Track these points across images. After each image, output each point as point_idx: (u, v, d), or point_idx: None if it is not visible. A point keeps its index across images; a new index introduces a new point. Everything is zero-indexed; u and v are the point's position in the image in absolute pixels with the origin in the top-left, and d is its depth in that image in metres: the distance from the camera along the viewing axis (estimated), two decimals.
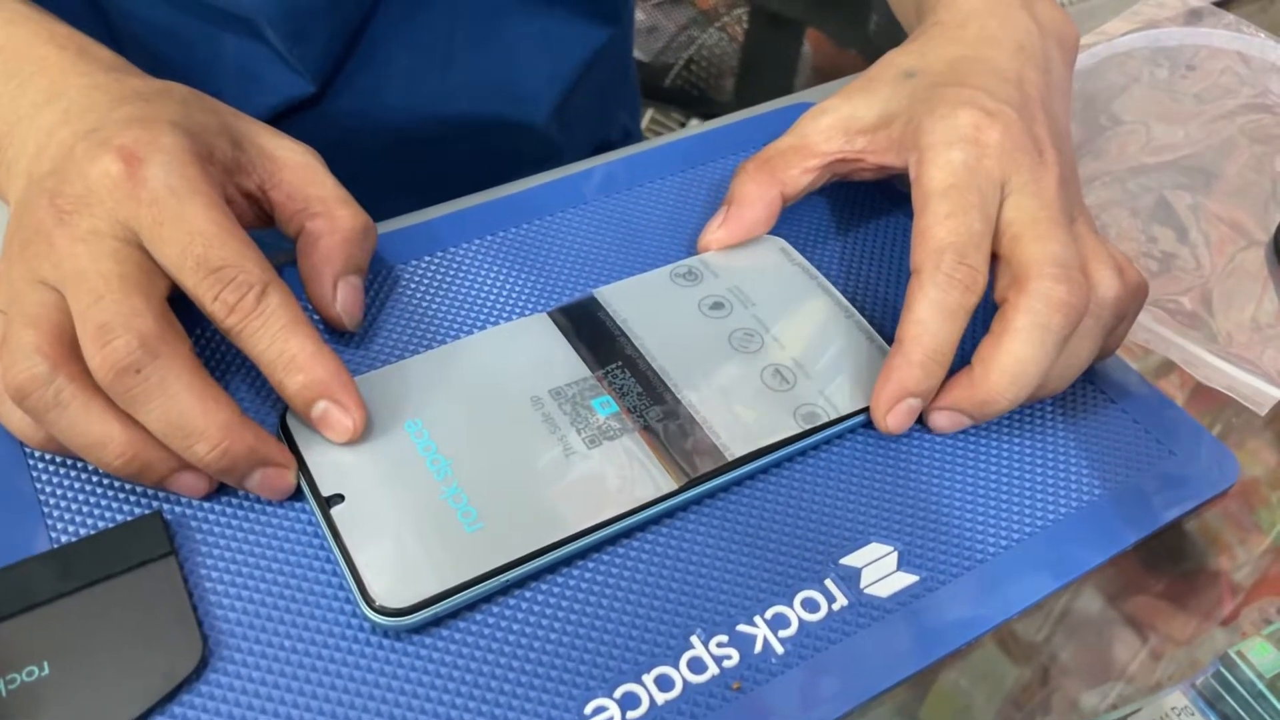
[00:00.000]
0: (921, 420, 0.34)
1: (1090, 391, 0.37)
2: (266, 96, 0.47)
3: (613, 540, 0.31)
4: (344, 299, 0.34)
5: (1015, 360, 0.31)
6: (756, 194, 0.37)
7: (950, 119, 0.34)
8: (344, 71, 0.48)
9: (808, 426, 0.33)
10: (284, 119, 0.48)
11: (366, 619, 0.28)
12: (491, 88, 0.51)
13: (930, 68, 0.37)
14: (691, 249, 0.40)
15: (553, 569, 0.30)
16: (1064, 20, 0.40)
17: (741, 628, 0.30)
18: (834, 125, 0.37)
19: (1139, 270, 0.35)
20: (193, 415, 0.28)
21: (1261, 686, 0.30)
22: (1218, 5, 0.55)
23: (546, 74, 0.52)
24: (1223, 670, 0.31)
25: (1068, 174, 0.35)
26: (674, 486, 0.31)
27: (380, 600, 0.28)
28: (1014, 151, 0.33)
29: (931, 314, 0.32)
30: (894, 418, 0.33)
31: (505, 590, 0.30)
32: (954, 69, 0.36)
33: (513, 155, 0.50)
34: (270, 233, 0.36)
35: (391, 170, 0.50)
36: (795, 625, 0.30)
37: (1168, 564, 0.34)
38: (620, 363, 0.34)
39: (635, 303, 0.36)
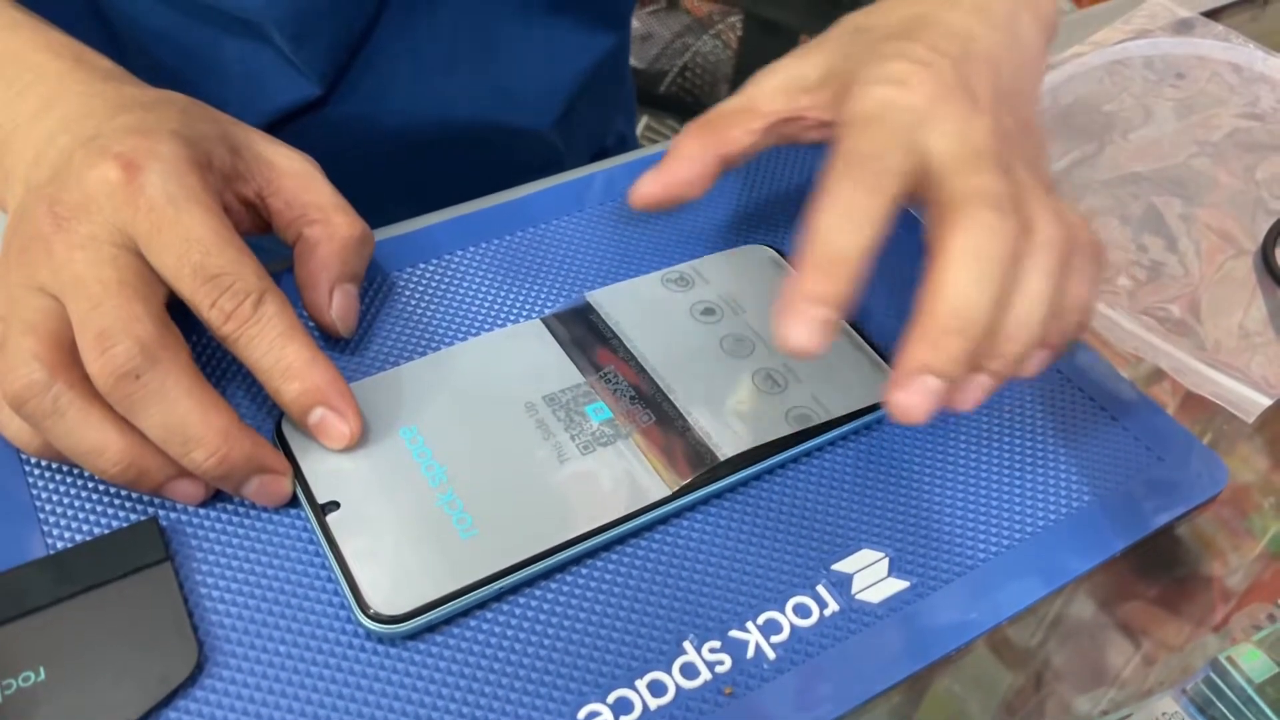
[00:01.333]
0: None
1: (1080, 398, 0.37)
2: (271, 100, 0.47)
3: (606, 546, 0.31)
4: (339, 306, 0.34)
5: (954, 288, 0.28)
6: (692, 152, 0.36)
7: (881, 67, 0.33)
8: (349, 75, 0.48)
9: (800, 428, 0.33)
10: (289, 123, 0.48)
11: (361, 625, 0.28)
12: (496, 94, 0.51)
13: (880, 25, 0.36)
14: (687, 256, 0.40)
15: (546, 575, 0.30)
16: None
17: (734, 633, 0.30)
18: (780, 85, 0.37)
19: (1091, 230, 0.33)
20: (192, 421, 0.28)
21: (1251, 692, 0.30)
22: (1207, 15, 0.55)
23: (551, 82, 0.52)
24: (1213, 676, 0.31)
25: (1011, 129, 0.33)
26: (668, 492, 0.31)
27: (375, 607, 0.28)
28: (942, 98, 0.32)
29: (833, 217, 0.29)
30: (797, 332, 0.28)
31: (499, 596, 0.30)
32: (903, 26, 0.35)
33: (516, 162, 0.50)
34: (268, 239, 0.36)
35: (395, 176, 0.50)
36: (787, 631, 0.30)
37: (1160, 570, 0.34)
38: (613, 368, 0.35)
39: (628, 307, 0.37)
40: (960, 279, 0.28)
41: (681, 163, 0.36)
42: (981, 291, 0.29)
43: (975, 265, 0.29)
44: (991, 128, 0.32)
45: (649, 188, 0.36)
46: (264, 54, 0.46)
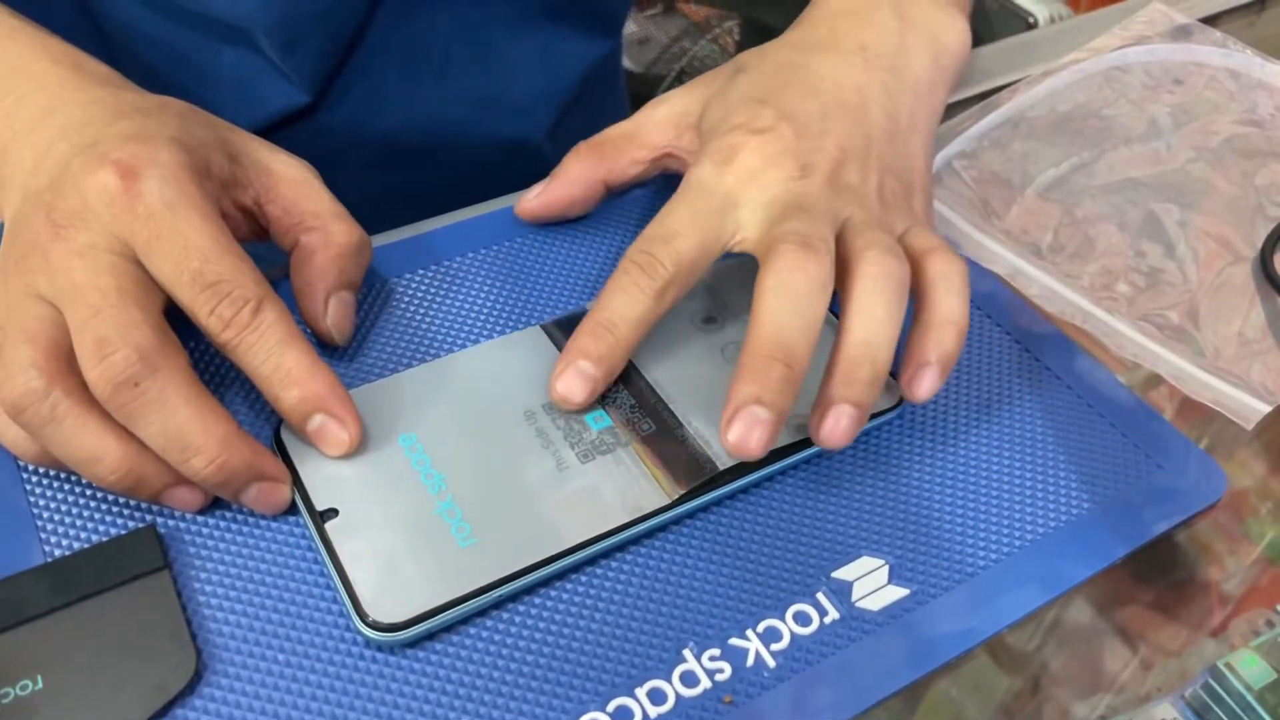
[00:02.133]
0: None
1: (1078, 405, 0.37)
2: (262, 107, 0.47)
3: (606, 554, 0.31)
4: (335, 314, 0.34)
5: (763, 320, 0.31)
6: (579, 175, 0.39)
7: (720, 138, 0.35)
8: (339, 83, 0.48)
9: (801, 437, 0.33)
10: (279, 130, 0.48)
11: (359, 634, 0.28)
12: (489, 103, 0.51)
13: (759, 68, 0.38)
14: None
15: (545, 583, 0.30)
16: (943, 19, 0.40)
17: (733, 641, 0.30)
18: (667, 118, 0.39)
19: (950, 253, 0.34)
20: (191, 429, 0.28)
21: (1250, 698, 0.30)
22: (1205, 22, 0.56)
23: (545, 90, 0.52)
24: (1211, 682, 0.31)
25: (854, 182, 0.35)
26: (667, 500, 0.31)
27: (374, 615, 0.28)
28: (764, 171, 0.34)
29: (610, 291, 0.33)
30: (563, 382, 0.32)
31: (498, 604, 0.30)
32: (775, 75, 0.37)
33: (507, 171, 0.50)
34: (265, 246, 0.36)
35: (387, 184, 0.50)
36: (787, 638, 0.30)
37: (1158, 574, 0.34)
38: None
39: None
40: (769, 311, 0.31)
41: (565, 185, 0.39)
42: (789, 319, 0.30)
43: (781, 296, 0.31)
44: (820, 186, 0.34)
45: (531, 205, 0.39)
46: (254, 62, 0.45)
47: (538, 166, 0.54)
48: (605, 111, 0.61)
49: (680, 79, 1.23)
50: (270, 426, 0.33)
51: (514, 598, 0.30)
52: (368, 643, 0.29)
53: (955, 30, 0.41)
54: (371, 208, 0.40)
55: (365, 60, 0.48)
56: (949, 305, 0.33)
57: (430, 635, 0.29)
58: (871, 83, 0.37)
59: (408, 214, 0.42)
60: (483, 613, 0.30)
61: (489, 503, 0.31)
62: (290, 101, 0.47)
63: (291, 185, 0.34)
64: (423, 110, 0.50)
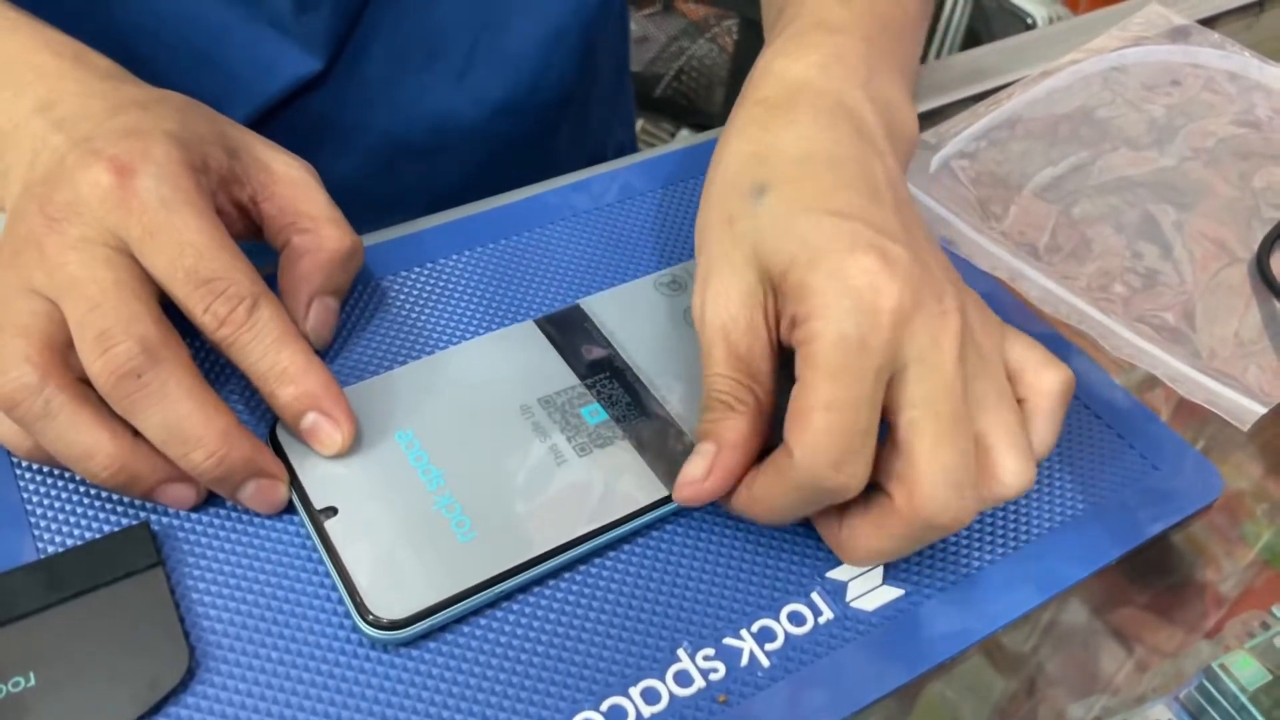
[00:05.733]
0: None
1: (1075, 406, 0.37)
2: (274, 79, 0.46)
3: (601, 551, 0.31)
4: (315, 318, 0.34)
5: (876, 554, 0.30)
6: (749, 436, 0.30)
7: (839, 276, 0.28)
8: (349, 52, 0.46)
9: None
10: (292, 104, 0.47)
11: (359, 631, 0.28)
12: (509, 103, 0.50)
13: (781, 175, 0.31)
14: (676, 259, 0.40)
15: (542, 580, 0.30)
16: (901, 103, 0.35)
17: (728, 641, 0.30)
18: (744, 311, 0.30)
19: (1065, 377, 0.31)
20: (192, 422, 0.28)
21: (1244, 700, 0.30)
22: (1203, 23, 0.56)
23: (567, 90, 0.52)
24: (1206, 683, 0.31)
25: (959, 304, 0.30)
26: (664, 493, 0.31)
27: (376, 613, 0.28)
28: (913, 314, 0.28)
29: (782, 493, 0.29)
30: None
31: (494, 602, 0.30)
32: (808, 177, 0.31)
33: (517, 170, 0.49)
34: (262, 244, 0.36)
35: (396, 180, 0.49)
36: (782, 638, 0.30)
37: (1153, 576, 0.34)
38: (607, 372, 0.35)
39: (620, 312, 0.37)
40: (887, 545, 0.29)
41: (736, 452, 0.30)
42: (896, 554, 0.30)
43: (906, 545, 0.29)
44: (956, 334, 0.29)
45: (709, 486, 0.30)
46: (265, 33, 0.45)
47: (549, 167, 0.53)
48: (613, 108, 0.61)
49: (679, 78, 1.22)
50: (264, 426, 0.33)
51: (508, 596, 0.30)
52: (363, 641, 0.29)
53: (908, 119, 0.35)
54: (379, 204, 0.40)
55: (380, 38, 0.47)
56: (1037, 440, 0.31)
57: (426, 634, 0.29)
58: (891, 174, 0.32)
59: (415, 211, 0.42)
60: (477, 611, 0.30)
61: (488, 497, 0.31)
62: (303, 69, 0.46)
63: (289, 185, 0.34)
64: (437, 104, 0.49)
